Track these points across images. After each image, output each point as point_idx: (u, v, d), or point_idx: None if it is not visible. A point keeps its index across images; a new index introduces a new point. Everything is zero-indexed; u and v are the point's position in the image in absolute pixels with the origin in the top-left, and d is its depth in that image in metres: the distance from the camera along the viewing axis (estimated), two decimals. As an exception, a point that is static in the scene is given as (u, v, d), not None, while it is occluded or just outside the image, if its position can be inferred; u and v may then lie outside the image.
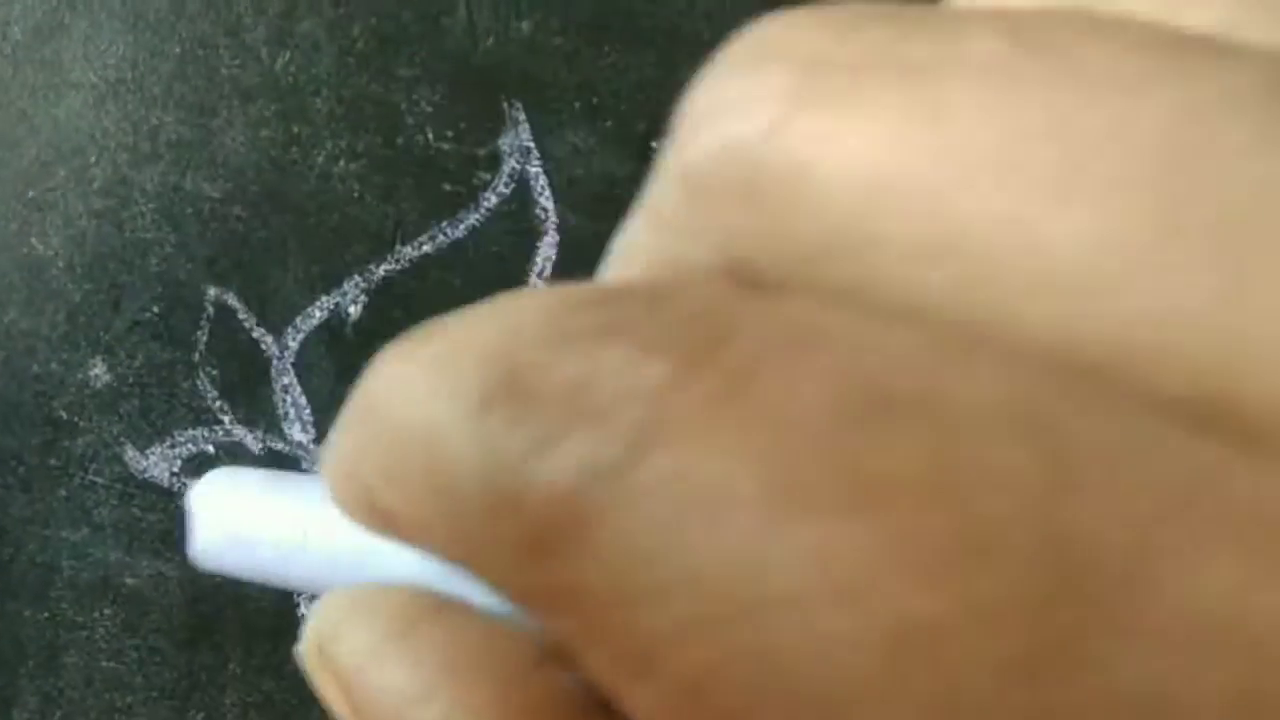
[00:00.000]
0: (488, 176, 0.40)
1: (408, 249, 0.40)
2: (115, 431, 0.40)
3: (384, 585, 0.13)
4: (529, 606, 0.10)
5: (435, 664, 0.11)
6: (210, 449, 0.40)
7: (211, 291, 0.40)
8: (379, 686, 0.11)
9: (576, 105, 0.39)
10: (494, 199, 0.40)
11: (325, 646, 0.12)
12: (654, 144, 0.38)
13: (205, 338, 0.40)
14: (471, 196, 0.40)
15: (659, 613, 0.08)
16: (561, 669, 0.11)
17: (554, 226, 0.40)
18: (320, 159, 0.40)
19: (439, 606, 0.12)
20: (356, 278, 0.40)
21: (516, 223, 0.40)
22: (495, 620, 0.11)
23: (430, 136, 0.40)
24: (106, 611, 0.40)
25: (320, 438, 0.40)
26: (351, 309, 0.40)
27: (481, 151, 0.40)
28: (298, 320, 0.40)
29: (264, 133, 0.40)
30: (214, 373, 0.40)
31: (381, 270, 0.40)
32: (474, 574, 0.10)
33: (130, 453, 0.40)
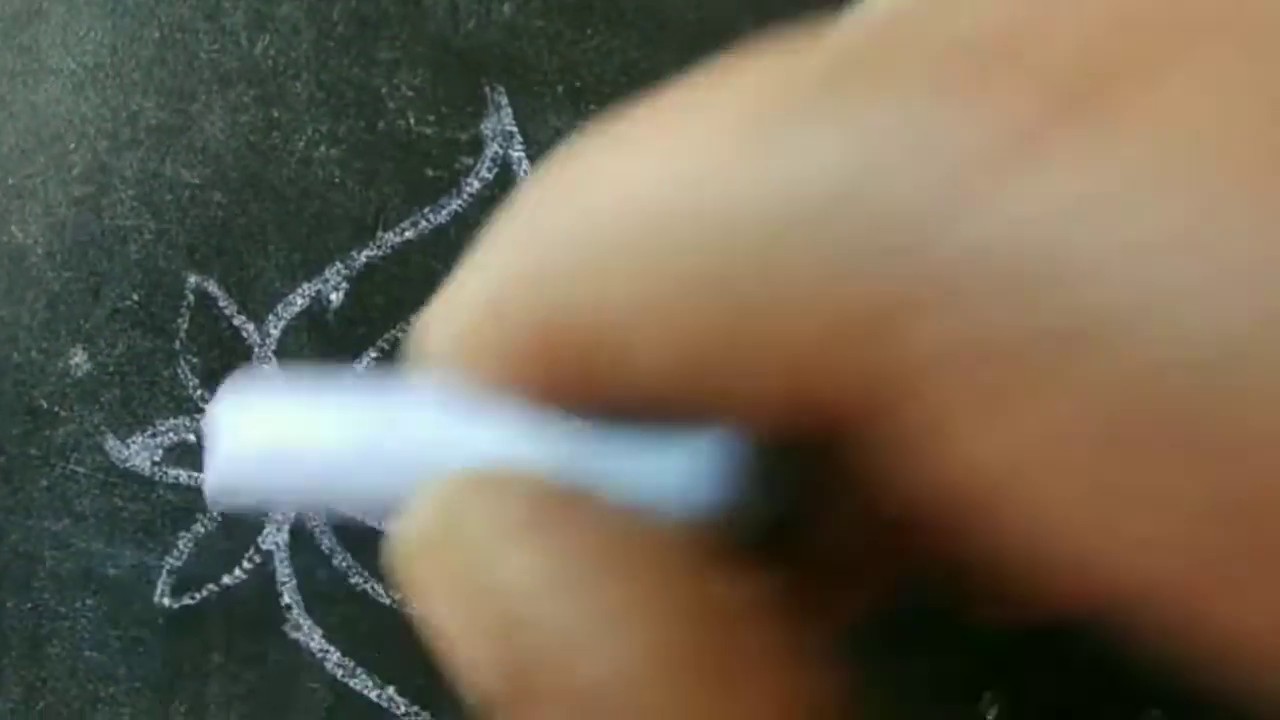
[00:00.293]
0: (470, 161, 0.39)
1: (390, 235, 0.39)
2: (96, 420, 0.40)
3: (508, 468, 0.11)
4: (803, 414, 0.08)
5: (571, 555, 0.10)
6: (191, 438, 0.40)
7: (192, 279, 0.40)
8: (506, 574, 0.10)
9: (559, 89, 0.39)
10: (476, 184, 0.39)
11: (444, 534, 0.11)
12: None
13: (186, 325, 0.40)
14: (454, 182, 0.39)
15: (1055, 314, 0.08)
16: (716, 575, 0.09)
17: (537, 211, 0.39)
18: (300, 144, 0.39)
19: (573, 493, 0.10)
20: (338, 264, 0.40)
21: (499, 208, 0.39)
22: (637, 514, 0.10)
23: (411, 121, 0.39)
24: (89, 601, 0.40)
25: (303, 426, 0.40)
26: (333, 296, 0.40)
27: (464, 136, 0.39)
28: (279, 307, 0.40)
29: (243, 118, 0.39)
30: (195, 360, 0.40)
31: (363, 257, 0.40)
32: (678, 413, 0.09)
33: (111, 442, 0.40)
